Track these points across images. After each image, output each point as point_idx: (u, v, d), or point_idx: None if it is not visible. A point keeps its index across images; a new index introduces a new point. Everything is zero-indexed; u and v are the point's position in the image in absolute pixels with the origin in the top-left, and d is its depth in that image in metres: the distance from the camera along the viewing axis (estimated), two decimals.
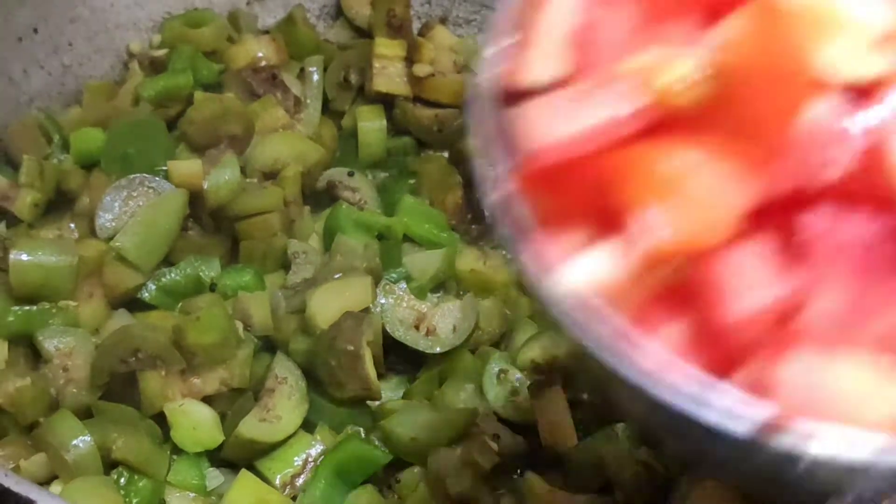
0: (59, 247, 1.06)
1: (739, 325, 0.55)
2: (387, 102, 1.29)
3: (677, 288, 0.57)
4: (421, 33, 1.37)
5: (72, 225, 1.13)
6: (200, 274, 1.09)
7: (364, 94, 1.30)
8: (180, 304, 1.07)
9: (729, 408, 0.53)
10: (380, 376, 1.04)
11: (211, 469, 1.01)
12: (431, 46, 1.34)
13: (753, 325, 0.56)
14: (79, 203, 1.14)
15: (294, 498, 0.99)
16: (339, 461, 0.98)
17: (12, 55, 1.21)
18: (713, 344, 0.56)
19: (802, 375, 0.54)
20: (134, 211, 1.10)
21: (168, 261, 1.10)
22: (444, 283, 1.15)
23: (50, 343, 1.02)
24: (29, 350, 1.04)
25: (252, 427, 0.98)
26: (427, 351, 1.07)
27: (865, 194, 0.57)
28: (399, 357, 1.09)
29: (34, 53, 1.24)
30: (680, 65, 0.57)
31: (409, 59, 1.31)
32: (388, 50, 1.29)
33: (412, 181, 1.25)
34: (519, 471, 1.01)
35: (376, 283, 1.07)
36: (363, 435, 1.02)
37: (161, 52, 1.28)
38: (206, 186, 1.11)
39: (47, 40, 1.24)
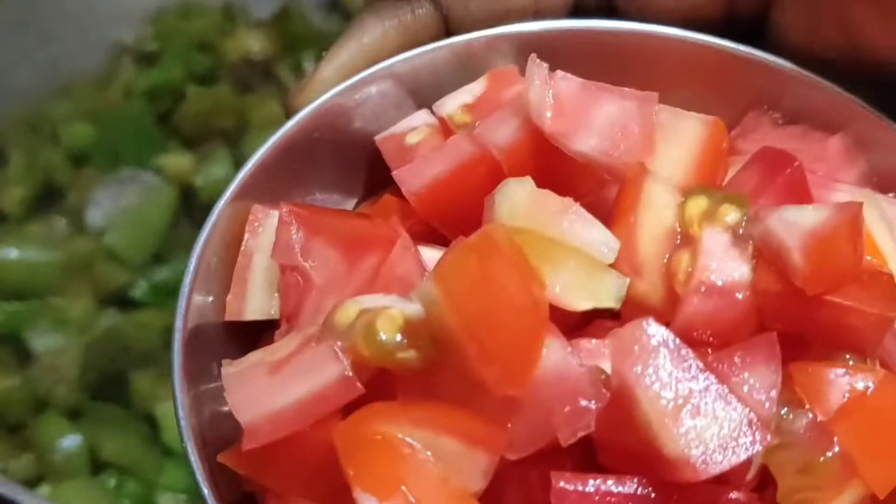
0: (47, 243, 1.05)
1: None
2: None
3: None
4: None
5: (61, 221, 1.12)
6: None
7: None
8: (171, 302, 1.06)
9: None
10: None
11: None
12: None
13: None
14: (68, 198, 1.13)
15: None
16: None
17: (1, 47, 1.20)
18: None
19: None
20: (124, 207, 1.09)
21: (159, 257, 1.09)
22: None
23: (38, 341, 1.01)
24: (17, 349, 1.02)
25: None
26: None
27: (620, 450, 0.51)
28: None
29: (23, 46, 1.22)
30: (391, 318, 0.51)
31: None
32: None
33: None
34: None
35: None
36: None
37: (153, 45, 1.27)
38: (197, 182, 1.11)
39: (37, 33, 1.23)
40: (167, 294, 1.07)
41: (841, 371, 0.55)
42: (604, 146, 0.58)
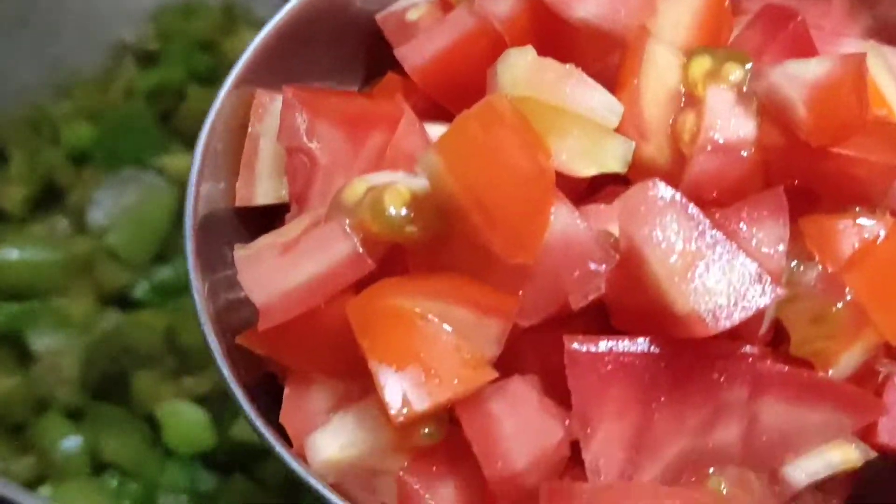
0: (48, 243, 1.05)
1: (517, 478, 0.51)
2: None
3: (444, 445, 0.52)
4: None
5: (62, 221, 1.11)
6: None
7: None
8: (172, 303, 1.05)
9: None
10: None
11: (203, 472, 0.99)
12: None
13: (532, 474, 0.51)
14: (69, 198, 1.12)
15: None
16: None
17: (1, 46, 1.20)
18: (494, 500, 0.51)
19: None
20: (126, 207, 1.08)
21: (160, 258, 1.08)
22: None
23: (39, 342, 1.00)
24: (18, 349, 1.02)
25: (246, 429, 0.96)
26: None
27: (631, 311, 0.52)
28: None
29: (24, 44, 1.22)
30: (398, 193, 0.51)
31: None
32: None
33: None
34: None
35: None
36: None
37: (154, 45, 1.27)
38: None
39: (38, 31, 1.22)
40: (168, 294, 1.07)
41: (850, 222, 0.55)
42: (603, 11, 0.57)
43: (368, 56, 0.67)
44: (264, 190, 0.60)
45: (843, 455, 0.55)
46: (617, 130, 0.56)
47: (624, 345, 0.52)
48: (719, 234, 0.51)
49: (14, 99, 1.21)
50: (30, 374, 0.99)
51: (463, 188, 0.50)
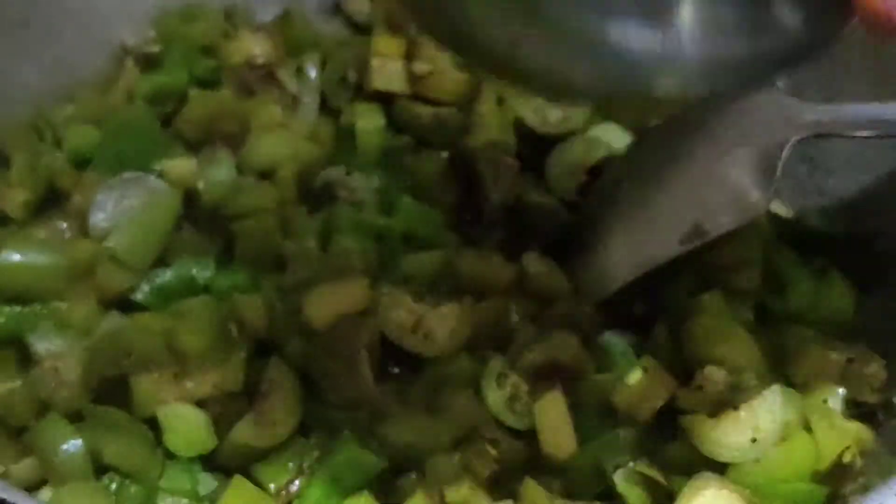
0: (50, 247, 1.05)
1: None
2: (385, 100, 1.28)
3: None
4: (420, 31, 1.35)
5: (64, 224, 1.12)
6: (194, 274, 1.08)
7: (362, 91, 1.29)
8: (174, 306, 1.06)
9: None
10: (376, 380, 1.03)
11: (204, 474, 0.99)
12: (431, 44, 1.32)
13: None
14: (71, 202, 1.12)
15: (289, 503, 0.98)
16: (334, 467, 0.97)
17: (3, 49, 1.20)
18: None
19: None
20: (127, 210, 1.09)
21: (161, 261, 1.09)
22: (443, 285, 1.14)
23: (40, 345, 1.01)
24: (19, 352, 1.02)
25: (246, 432, 0.97)
26: (425, 354, 1.05)
27: None
28: (395, 360, 1.07)
29: (25, 47, 1.22)
30: None
31: (409, 57, 1.29)
32: (386, 47, 1.27)
33: (411, 180, 1.23)
34: (518, 477, 1.00)
35: (373, 284, 1.06)
36: (359, 440, 1.01)
37: (155, 48, 1.27)
38: (200, 185, 1.11)
39: (39, 35, 1.23)
40: (170, 297, 1.07)
41: None
42: None
43: None
44: None
45: None
46: None
47: None
48: None
49: (16, 102, 1.22)
50: (31, 377, 0.99)
51: None
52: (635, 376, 1.01)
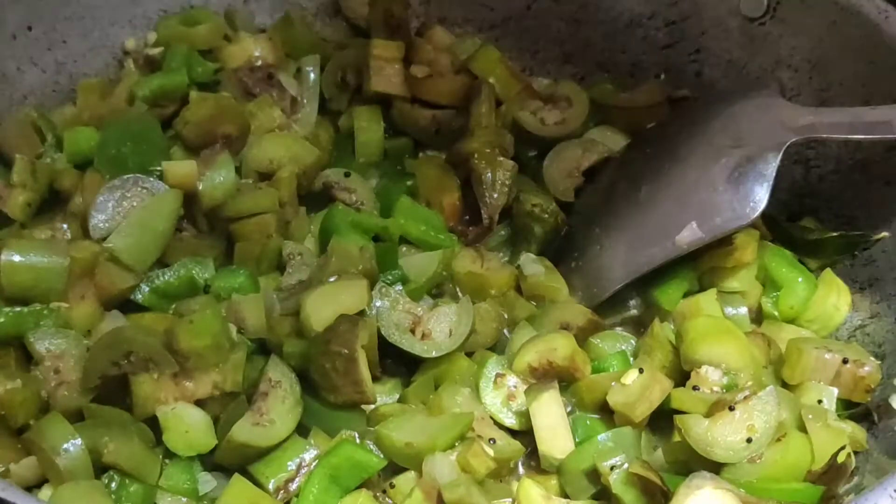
0: (50, 248, 1.05)
1: None
2: (384, 103, 1.28)
3: None
4: (419, 33, 1.36)
5: (64, 225, 1.12)
6: (194, 275, 1.08)
7: (361, 94, 1.29)
8: (174, 306, 1.06)
9: None
10: (375, 379, 1.03)
11: (203, 473, 0.99)
12: (429, 47, 1.33)
13: None
14: (72, 203, 1.13)
15: (287, 502, 0.98)
16: (333, 466, 0.97)
17: (6, 52, 1.20)
18: None
19: None
20: (127, 211, 1.09)
21: (162, 262, 1.09)
22: (441, 286, 1.14)
23: (41, 344, 1.01)
24: (20, 352, 1.02)
25: (245, 431, 0.97)
26: (423, 354, 1.05)
27: None
28: (394, 360, 1.08)
29: (28, 51, 1.23)
30: None
31: (407, 60, 1.30)
32: (385, 50, 1.28)
33: (409, 182, 1.24)
34: (515, 476, 1.01)
35: (372, 285, 1.06)
36: (357, 439, 1.01)
37: (156, 51, 1.27)
38: (200, 187, 1.10)
39: (41, 37, 1.23)
40: (170, 298, 1.08)
41: None
42: None
43: None
44: None
45: None
46: None
47: None
48: None
49: (18, 104, 1.22)
50: (32, 377, 1.00)
51: None
52: (631, 377, 1.01)
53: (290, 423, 0.99)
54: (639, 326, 1.14)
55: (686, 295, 1.11)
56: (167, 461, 0.99)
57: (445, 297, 1.13)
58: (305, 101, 1.28)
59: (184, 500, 0.98)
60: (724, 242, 1.09)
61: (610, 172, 1.22)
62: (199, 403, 0.99)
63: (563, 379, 1.04)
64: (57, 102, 1.26)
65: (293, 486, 0.98)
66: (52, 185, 1.15)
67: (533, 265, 1.15)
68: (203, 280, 1.08)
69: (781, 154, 1.04)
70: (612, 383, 1.02)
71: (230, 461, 0.99)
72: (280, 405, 0.99)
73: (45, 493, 0.96)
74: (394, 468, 1.00)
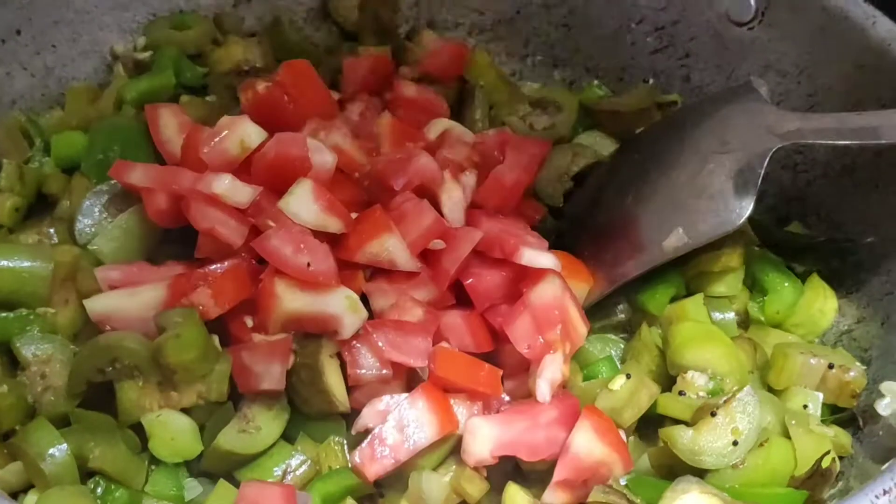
0: (34, 252, 1.04)
1: None
2: None
3: None
4: (408, 37, 1.36)
5: (52, 230, 1.11)
6: None
7: None
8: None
9: None
10: (349, 389, 1.02)
11: (189, 479, 0.99)
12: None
13: None
14: (59, 207, 1.13)
15: None
16: (326, 493, 0.96)
17: None
18: None
19: None
20: (114, 216, 1.09)
21: None
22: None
23: (28, 349, 1.01)
24: (6, 357, 1.02)
25: (231, 438, 0.97)
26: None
27: None
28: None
29: (17, 55, 1.22)
30: None
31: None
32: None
33: None
34: (501, 483, 1.00)
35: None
36: (346, 447, 1.00)
37: (145, 55, 1.27)
38: None
39: (30, 42, 1.23)
40: None
41: None
42: None
43: None
44: None
45: None
46: None
47: None
48: None
49: (7, 108, 1.22)
50: (18, 382, 0.99)
51: None
52: (619, 382, 1.01)
53: (276, 429, 0.99)
54: (627, 331, 1.14)
55: (673, 300, 1.11)
56: (153, 467, 0.99)
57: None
58: None
59: None
60: (711, 247, 1.09)
61: (598, 177, 1.22)
62: (186, 410, 0.99)
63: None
64: (45, 107, 1.25)
65: None
66: (39, 190, 1.15)
67: None
68: None
69: (768, 160, 1.04)
70: (600, 389, 1.02)
71: (216, 467, 0.99)
72: (266, 412, 0.99)
73: (31, 498, 0.95)
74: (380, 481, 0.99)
